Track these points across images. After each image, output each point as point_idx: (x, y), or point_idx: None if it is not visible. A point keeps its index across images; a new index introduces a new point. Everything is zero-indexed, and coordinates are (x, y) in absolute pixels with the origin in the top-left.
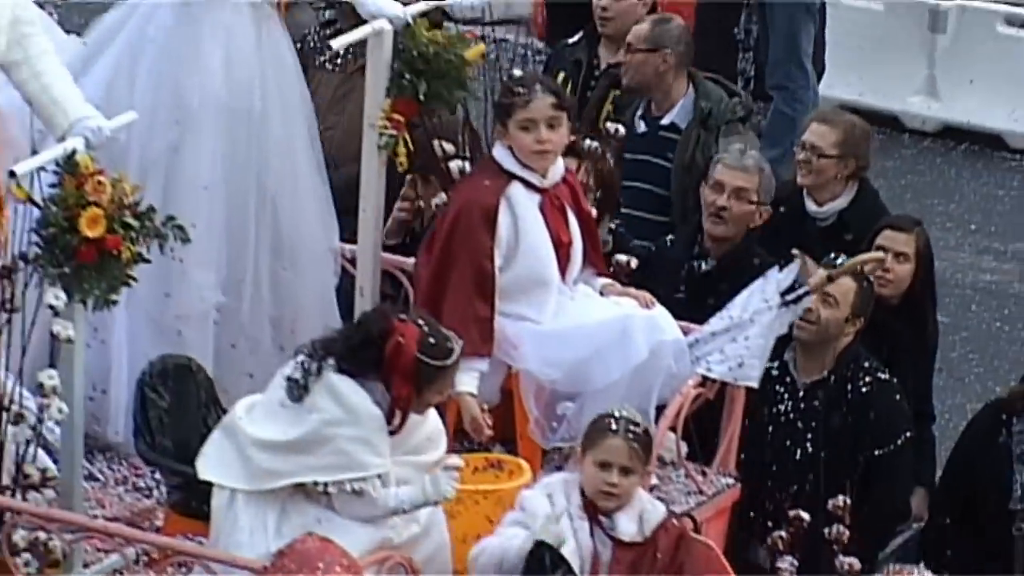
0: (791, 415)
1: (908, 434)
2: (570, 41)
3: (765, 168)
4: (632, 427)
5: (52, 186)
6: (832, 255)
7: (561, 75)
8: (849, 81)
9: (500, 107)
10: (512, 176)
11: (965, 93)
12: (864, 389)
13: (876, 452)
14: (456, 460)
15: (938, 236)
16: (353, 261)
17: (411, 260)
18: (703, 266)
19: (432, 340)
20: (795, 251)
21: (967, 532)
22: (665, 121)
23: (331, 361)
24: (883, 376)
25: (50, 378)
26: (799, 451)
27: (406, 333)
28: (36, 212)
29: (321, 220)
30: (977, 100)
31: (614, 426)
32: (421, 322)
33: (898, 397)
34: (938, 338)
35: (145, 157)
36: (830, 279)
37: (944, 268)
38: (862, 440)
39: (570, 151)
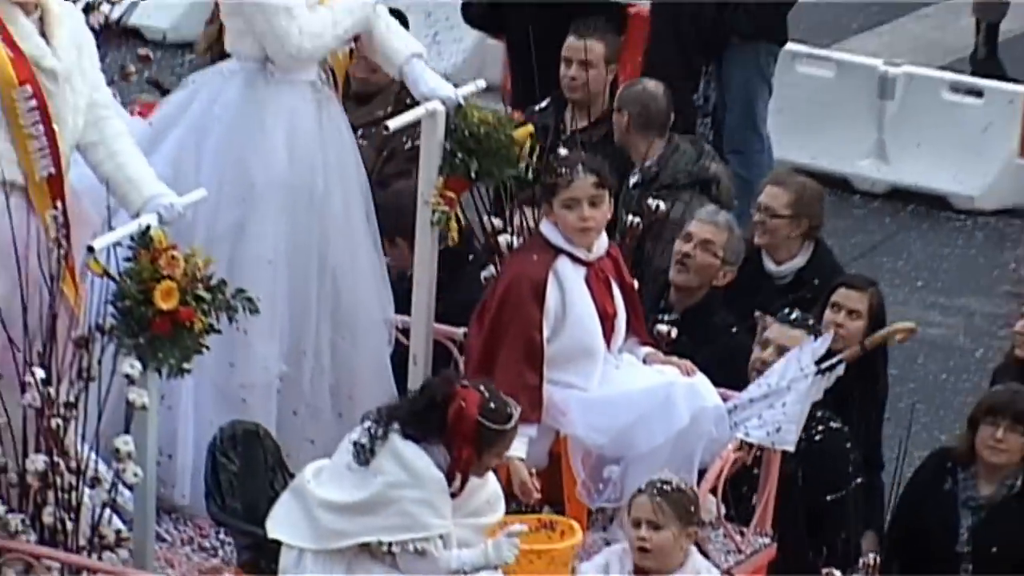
0: (746, 462)
1: (858, 480)
2: (537, 107)
3: (735, 230)
4: (661, 485)
5: (127, 260)
6: (786, 309)
7: None
8: (802, 145)
9: (544, 187)
10: (559, 251)
11: (912, 156)
12: (817, 437)
13: (828, 497)
14: (520, 527)
15: (887, 292)
16: (404, 331)
17: (460, 330)
18: (665, 318)
19: (492, 405)
20: (757, 313)
21: (915, 574)
22: (631, 181)
23: (396, 426)
24: (835, 425)
25: (125, 443)
26: (754, 496)
27: (468, 398)
28: (112, 285)
29: (377, 292)
30: (923, 163)
31: (643, 487)
32: (482, 388)
33: (849, 445)
34: (888, 390)
35: (211, 233)
36: (863, 348)
37: (893, 322)
38: (815, 486)
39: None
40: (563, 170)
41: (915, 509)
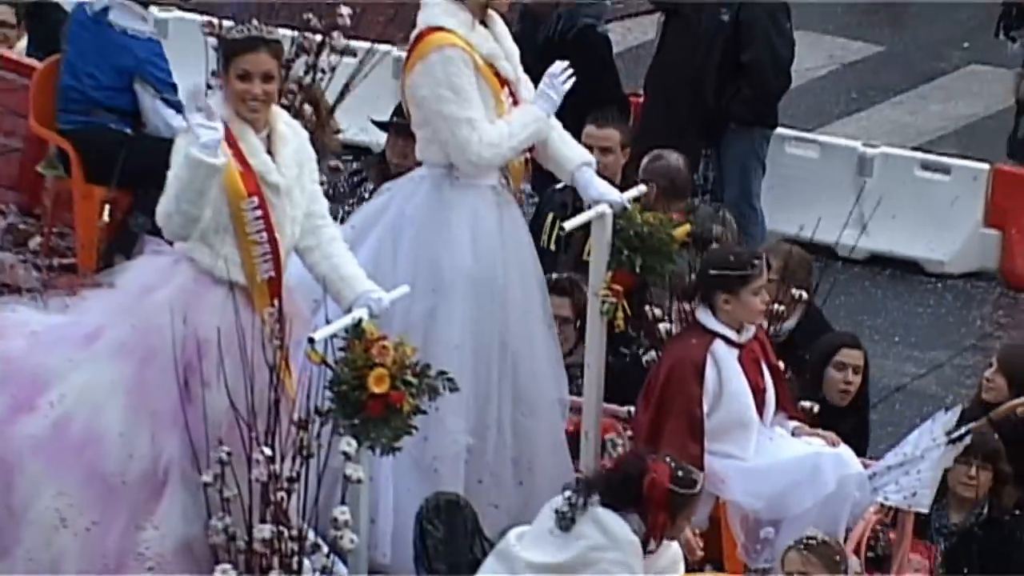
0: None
1: None
2: (557, 187)
3: None
4: (807, 540)
5: (341, 350)
6: None
7: (549, 216)
8: (791, 218)
9: (734, 278)
10: (715, 335)
11: (888, 227)
12: None
13: None
14: None
15: (868, 347)
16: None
17: (624, 408)
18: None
19: (680, 473)
20: None
21: None
22: None
23: (595, 497)
24: None
25: (343, 513)
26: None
27: (659, 470)
28: (328, 372)
29: (553, 374)
30: (899, 233)
31: (791, 543)
32: (668, 459)
33: None
34: (869, 432)
35: (406, 321)
36: (990, 421)
37: (873, 373)
38: None
39: (554, 289)
40: (756, 262)
41: None
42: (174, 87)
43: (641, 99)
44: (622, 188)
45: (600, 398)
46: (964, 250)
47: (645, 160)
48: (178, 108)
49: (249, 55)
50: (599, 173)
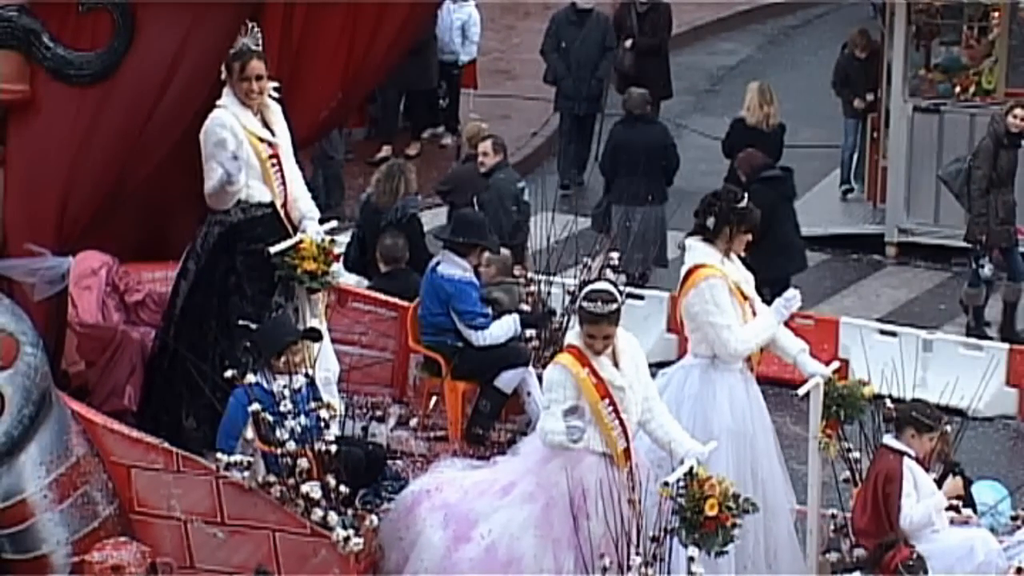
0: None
1: None
2: None
3: None
4: None
5: (681, 487)
6: None
7: None
8: None
9: (929, 425)
10: (904, 454)
11: None
12: None
13: None
14: None
15: None
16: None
17: (829, 511)
18: None
19: (912, 561)
20: None
21: None
22: None
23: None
24: None
25: None
26: None
27: (901, 552)
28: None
29: (784, 490)
30: None
31: None
32: (912, 549)
33: None
34: None
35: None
36: None
37: None
38: None
39: None
40: (943, 420)
41: None
42: (477, 314)
43: None
44: None
45: (818, 507)
46: (655, 349)
47: None
48: (482, 327)
49: (594, 326)
50: None
